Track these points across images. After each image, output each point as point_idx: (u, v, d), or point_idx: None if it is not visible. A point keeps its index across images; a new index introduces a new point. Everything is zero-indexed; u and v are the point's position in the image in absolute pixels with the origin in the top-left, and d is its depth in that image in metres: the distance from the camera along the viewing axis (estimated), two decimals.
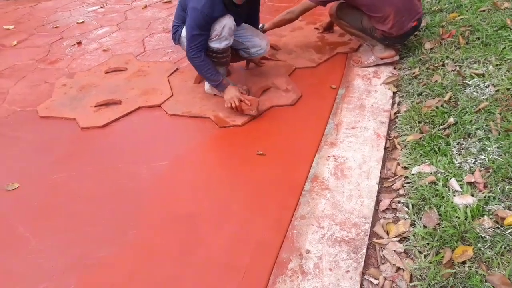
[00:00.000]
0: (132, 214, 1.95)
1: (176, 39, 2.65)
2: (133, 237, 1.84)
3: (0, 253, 1.83)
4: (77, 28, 4.17)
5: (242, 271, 1.63)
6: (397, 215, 1.79)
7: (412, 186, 1.86)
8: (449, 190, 1.74)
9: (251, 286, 1.57)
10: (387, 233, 1.72)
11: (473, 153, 1.89)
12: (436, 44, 2.81)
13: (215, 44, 2.47)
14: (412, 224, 1.71)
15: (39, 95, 3.01)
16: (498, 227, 1.54)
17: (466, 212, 1.61)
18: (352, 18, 2.76)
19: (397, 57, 2.82)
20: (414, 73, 2.63)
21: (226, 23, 2.41)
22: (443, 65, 2.58)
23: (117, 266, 1.71)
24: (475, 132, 2.00)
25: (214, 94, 2.75)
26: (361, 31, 2.78)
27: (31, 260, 1.78)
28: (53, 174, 2.24)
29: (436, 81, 2.45)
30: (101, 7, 4.68)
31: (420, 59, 2.74)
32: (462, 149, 1.95)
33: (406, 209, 1.78)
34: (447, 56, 2.63)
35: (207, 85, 2.77)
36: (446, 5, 3.29)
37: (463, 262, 1.47)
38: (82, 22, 4.31)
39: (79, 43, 3.79)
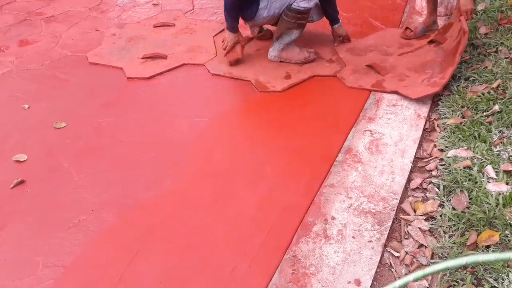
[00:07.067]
0: (172, 163, 2.04)
1: (253, 13, 2.58)
2: (170, 184, 1.94)
3: (46, 184, 1.97)
4: None
5: (268, 227, 1.70)
6: (427, 195, 1.81)
7: (446, 169, 1.85)
8: (483, 176, 1.73)
9: (275, 242, 1.64)
10: (414, 211, 1.74)
11: None
12: (492, 30, 2.70)
13: (304, 4, 2.46)
14: (441, 205, 1.72)
15: (90, 42, 3.12)
16: None
17: (498, 199, 1.61)
18: None
19: None
20: (463, 57, 2.56)
21: None
22: (496, 51, 2.49)
23: (153, 209, 1.82)
24: None
25: (281, 61, 2.73)
26: None
27: (73, 194, 1.91)
28: (99, 118, 2.36)
29: (486, 67, 2.38)
30: None
31: (473, 44, 2.65)
32: (504, 137, 1.91)
33: (437, 190, 1.79)
34: (502, 43, 2.53)
35: (273, 52, 2.73)
36: None
37: (488, 246, 1.49)
38: None
39: None
